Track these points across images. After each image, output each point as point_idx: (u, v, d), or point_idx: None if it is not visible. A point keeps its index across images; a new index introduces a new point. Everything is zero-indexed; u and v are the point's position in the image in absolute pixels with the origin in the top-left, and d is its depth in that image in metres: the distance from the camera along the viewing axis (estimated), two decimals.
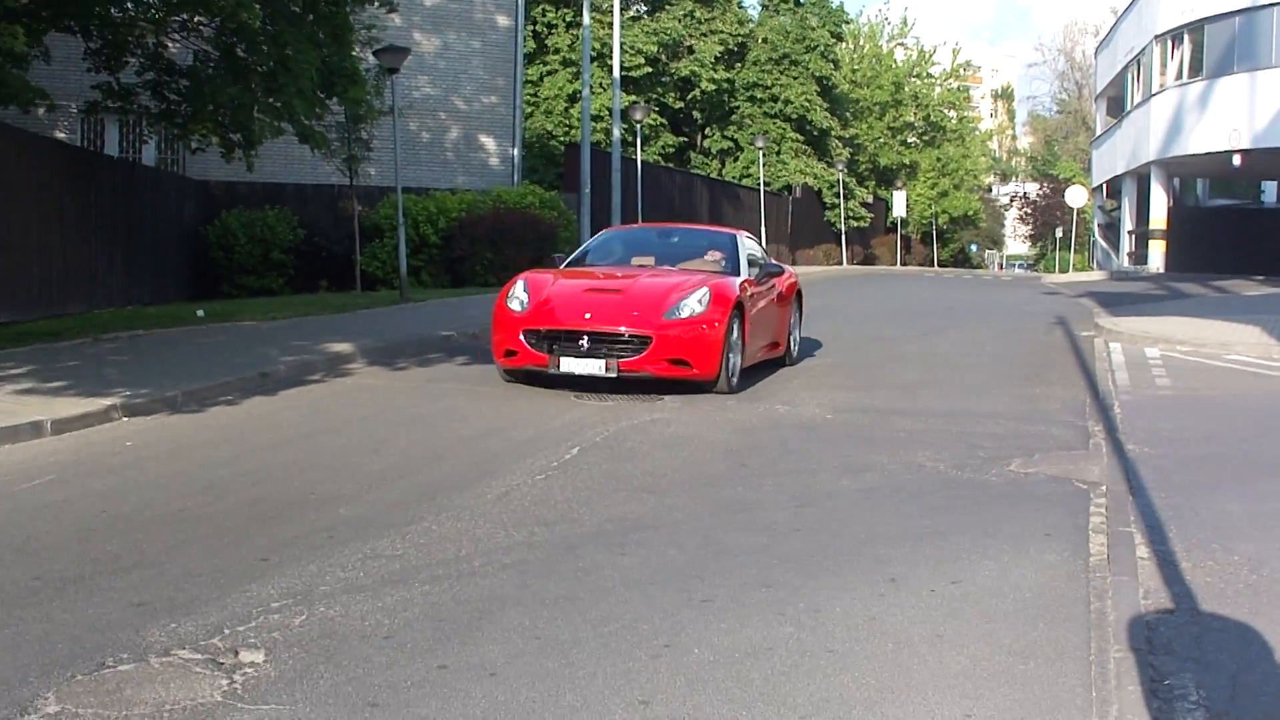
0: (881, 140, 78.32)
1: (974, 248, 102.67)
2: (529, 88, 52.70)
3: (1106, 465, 11.16)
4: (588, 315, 14.37)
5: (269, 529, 8.55)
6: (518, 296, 14.95)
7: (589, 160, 37.80)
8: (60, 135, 29.06)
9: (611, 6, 41.48)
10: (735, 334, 14.79)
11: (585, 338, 14.19)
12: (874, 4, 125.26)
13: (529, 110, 52.11)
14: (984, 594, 7.38)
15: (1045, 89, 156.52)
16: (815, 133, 66.78)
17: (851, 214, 71.15)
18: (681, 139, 63.11)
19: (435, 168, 35.17)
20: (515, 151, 36.71)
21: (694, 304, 14.39)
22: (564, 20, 55.91)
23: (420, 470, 10.59)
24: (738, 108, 64.87)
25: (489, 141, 36.42)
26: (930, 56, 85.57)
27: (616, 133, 40.31)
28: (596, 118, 47.75)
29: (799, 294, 18.68)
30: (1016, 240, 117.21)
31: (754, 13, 67.84)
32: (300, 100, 22.09)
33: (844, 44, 75.34)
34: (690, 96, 62.98)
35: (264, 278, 30.56)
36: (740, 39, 63.78)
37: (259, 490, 9.82)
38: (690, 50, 61.12)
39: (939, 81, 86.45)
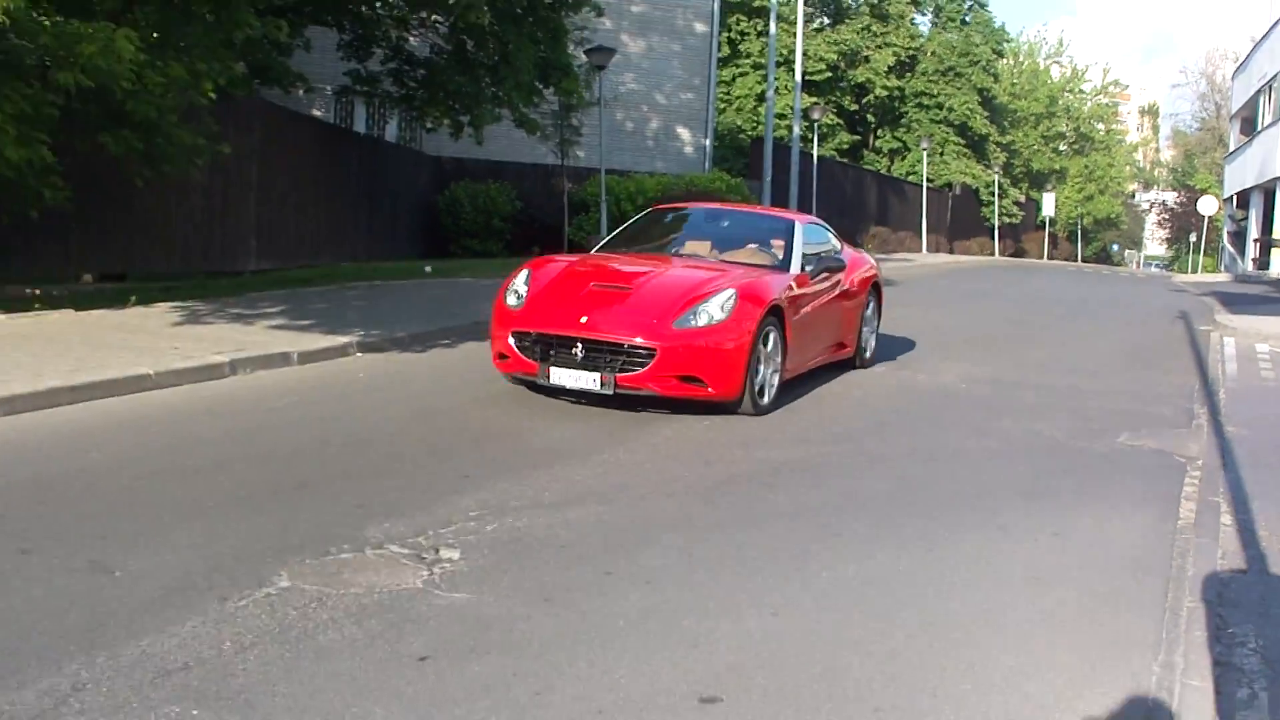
0: (1035, 147, 76.94)
1: (1115, 247, 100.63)
2: (722, 87, 52.68)
3: (1205, 443, 11.03)
4: (584, 319, 10.63)
5: (472, 452, 8.86)
6: (515, 289, 11.34)
7: (771, 153, 37.67)
8: (317, 114, 29.70)
9: (796, 18, 41.34)
10: (771, 344, 11.10)
11: (579, 345, 10.52)
12: (1033, 24, 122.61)
13: (721, 107, 52.16)
14: (1080, 545, 7.46)
15: (1187, 107, 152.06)
16: (975, 138, 65.88)
17: (1005, 211, 70.13)
18: (855, 138, 62.67)
19: (636, 153, 35.33)
20: (707, 142, 36.77)
21: (714, 309, 10.61)
22: (755, 29, 55.74)
23: (605, 411, 10.77)
24: (906, 113, 64.16)
25: (685, 132, 36.52)
26: (1083, 74, 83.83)
27: (796, 129, 40.12)
28: (780, 116, 47.67)
29: (876, 288, 14.79)
30: (1154, 242, 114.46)
31: (924, 28, 66.96)
32: (518, 91, 22.52)
33: (1004, 60, 74.16)
34: (865, 100, 62.48)
35: (485, 242, 30.88)
36: (911, 52, 63.06)
37: (467, 419, 10.16)
38: (866, 59, 60.63)
39: (1090, 97, 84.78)
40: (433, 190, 30.97)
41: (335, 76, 26.35)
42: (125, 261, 18.35)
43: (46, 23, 12.58)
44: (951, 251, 59.30)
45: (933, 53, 64.54)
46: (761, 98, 51.34)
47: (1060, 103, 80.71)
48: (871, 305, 14.57)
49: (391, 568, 6.25)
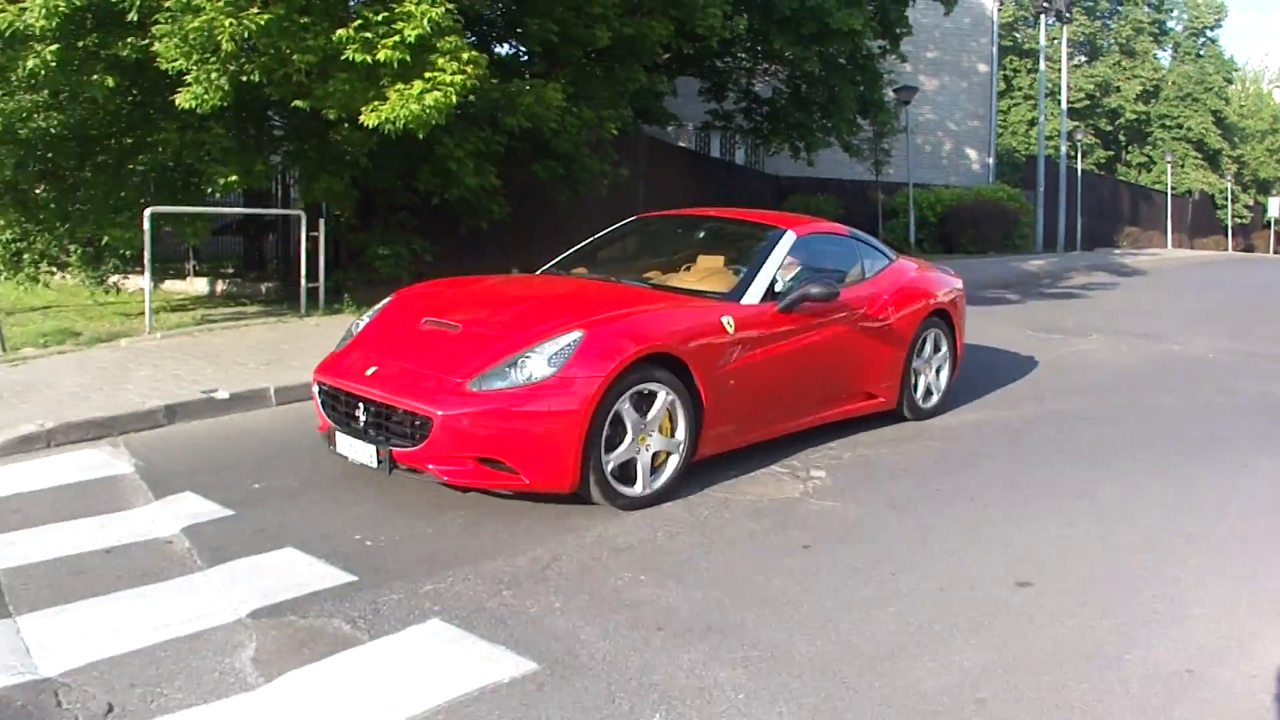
0: (1261, 159, 72.18)
1: None
2: (1000, 115, 51.39)
3: None
4: (370, 370, 6.12)
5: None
6: (359, 323, 6.95)
7: (1042, 168, 36.48)
8: (683, 144, 30.23)
9: (1060, 57, 39.97)
10: (656, 408, 5.96)
11: (361, 408, 6.02)
12: (1257, 54, 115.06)
13: (1000, 131, 50.81)
14: None
15: None
16: (1210, 152, 62.48)
17: (1236, 214, 66.26)
18: (1109, 154, 60.41)
19: (934, 170, 34.72)
20: (990, 160, 35.95)
21: (538, 362, 5.71)
22: (1024, 67, 54.48)
23: None
24: (1152, 132, 61.34)
25: (972, 152, 35.76)
26: None
27: (1063, 149, 38.73)
28: (1048, 137, 45.80)
29: (943, 317, 8.77)
30: None
31: (1165, 62, 63.90)
32: (843, 125, 22.50)
33: (1233, 86, 70.09)
34: (1117, 123, 60.10)
35: None
36: (1154, 82, 60.28)
37: None
38: (1118, 89, 58.41)
39: None
40: (773, 202, 30.97)
41: (697, 115, 26.75)
42: (545, 259, 19.07)
43: (494, 82, 13.26)
44: (1191, 248, 56.37)
45: (1173, 82, 61.51)
46: (1033, 123, 49.98)
47: None
48: (945, 344, 8.79)
49: (776, 482, 6.50)
